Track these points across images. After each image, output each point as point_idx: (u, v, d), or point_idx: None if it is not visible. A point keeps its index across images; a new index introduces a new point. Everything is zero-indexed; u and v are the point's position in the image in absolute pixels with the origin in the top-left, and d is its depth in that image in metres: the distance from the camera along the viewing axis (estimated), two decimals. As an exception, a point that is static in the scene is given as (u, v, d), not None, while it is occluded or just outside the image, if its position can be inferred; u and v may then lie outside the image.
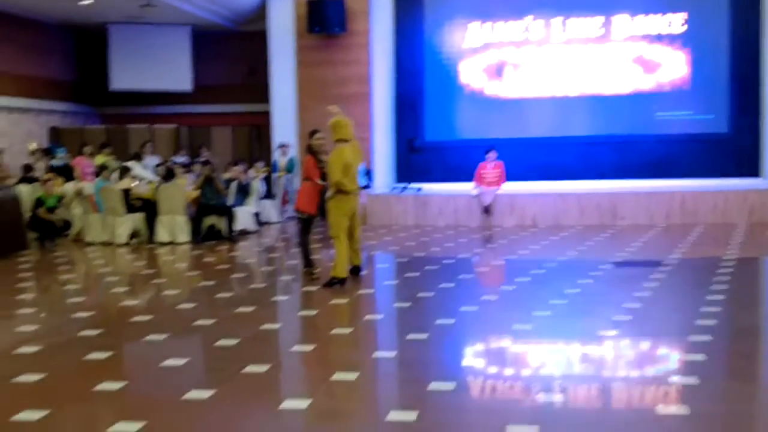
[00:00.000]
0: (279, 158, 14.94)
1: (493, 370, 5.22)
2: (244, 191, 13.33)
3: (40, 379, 5.10)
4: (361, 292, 7.96)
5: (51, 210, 11.88)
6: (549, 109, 15.54)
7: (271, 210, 14.49)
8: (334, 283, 7.96)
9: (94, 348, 5.78)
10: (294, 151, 15.02)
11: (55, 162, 14.24)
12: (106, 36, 17.39)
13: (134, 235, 12.08)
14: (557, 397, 4.54)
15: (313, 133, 8.74)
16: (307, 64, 15.47)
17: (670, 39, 15.04)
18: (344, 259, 8.01)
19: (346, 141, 8.05)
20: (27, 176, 13.35)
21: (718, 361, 5.34)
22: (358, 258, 8.45)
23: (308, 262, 8.67)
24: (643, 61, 15.19)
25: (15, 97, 16.10)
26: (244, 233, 12.69)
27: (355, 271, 8.45)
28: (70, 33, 18.02)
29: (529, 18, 15.45)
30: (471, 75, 15.77)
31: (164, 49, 17.60)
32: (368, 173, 14.37)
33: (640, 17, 15.12)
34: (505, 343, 5.78)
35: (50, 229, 11.87)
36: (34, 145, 15.16)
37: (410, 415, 4.28)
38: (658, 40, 15.07)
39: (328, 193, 8.04)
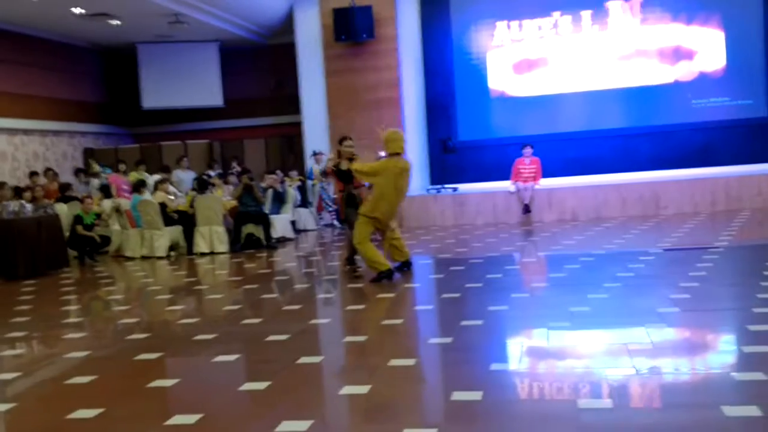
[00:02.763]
0: (313, 166, 14.89)
1: (555, 348, 5.03)
2: (280, 199, 13.30)
3: (92, 380, 5.00)
4: (408, 285, 7.82)
5: (89, 227, 11.90)
6: (582, 103, 15.33)
7: (307, 217, 14.43)
8: (382, 278, 7.88)
9: (143, 350, 5.69)
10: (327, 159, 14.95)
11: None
12: (136, 56, 17.53)
13: (173, 247, 12.06)
14: (626, 372, 4.35)
15: (342, 139, 8.72)
16: (336, 72, 15.42)
17: (705, 21, 14.80)
18: (375, 256, 7.95)
19: (398, 154, 7.97)
20: (65, 195, 13.41)
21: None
22: (402, 254, 8.34)
23: (352, 260, 8.55)
24: (677, 49, 14.94)
25: (48, 120, 16.24)
26: (282, 240, 12.62)
27: (406, 266, 8.37)
28: (101, 55, 18.19)
29: (556, 14, 15.30)
30: (501, 74, 15.63)
31: (193, 66, 17.69)
32: None
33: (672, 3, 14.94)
34: (564, 324, 5.59)
35: (89, 246, 11.90)
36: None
37: (475, 395, 4.11)
38: (692, 22, 14.84)
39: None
